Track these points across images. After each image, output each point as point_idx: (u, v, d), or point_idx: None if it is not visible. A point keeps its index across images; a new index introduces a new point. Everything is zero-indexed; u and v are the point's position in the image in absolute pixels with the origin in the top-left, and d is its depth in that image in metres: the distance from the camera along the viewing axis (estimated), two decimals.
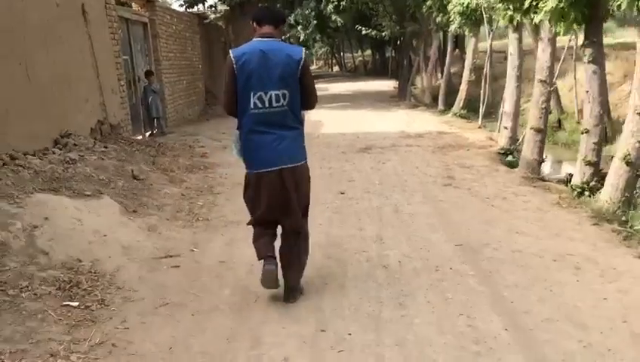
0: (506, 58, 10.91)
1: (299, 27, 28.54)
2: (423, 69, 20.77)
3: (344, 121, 13.99)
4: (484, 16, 11.84)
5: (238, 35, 19.21)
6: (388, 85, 28.79)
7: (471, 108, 14.34)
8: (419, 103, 18.74)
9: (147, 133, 12.15)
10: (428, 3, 14.30)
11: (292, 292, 3.80)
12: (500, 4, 8.00)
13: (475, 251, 4.71)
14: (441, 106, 15.48)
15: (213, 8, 20.22)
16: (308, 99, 3.55)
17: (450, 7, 13.22)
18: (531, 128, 8.11)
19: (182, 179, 7.47)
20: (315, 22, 28.33)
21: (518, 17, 7.86)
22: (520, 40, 10.00)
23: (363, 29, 26.65)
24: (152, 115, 11.89)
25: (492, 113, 12.71)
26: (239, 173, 4.09)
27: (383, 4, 20.94)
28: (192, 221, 5.72)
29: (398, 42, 27.94)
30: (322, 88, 29.53)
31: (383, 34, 23.54)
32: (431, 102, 17.84)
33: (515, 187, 6.94)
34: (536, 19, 6.93)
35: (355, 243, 4.96)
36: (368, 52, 48.22)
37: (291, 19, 28.40)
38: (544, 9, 6.51)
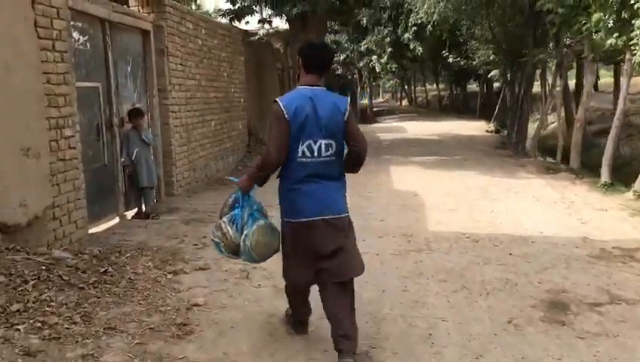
0: None
1: (373, 56, 23.71)
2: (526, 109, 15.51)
3: (452, 196, 8.74)
4: None
5: (297, 60, 14.30)
6: (478, 128, 23.30)
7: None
8: (528, 157, 13.30)
9: (130, 214, 7.26)
10: (595, 18, 8.87)
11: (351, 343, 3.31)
12: None
13: None
14: (606, 178, 9.69)
15: (267, 25, 15.46)
16: (354, 150, 3.37)
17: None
18: None
19: None
20: (390, 50, 23.55)
21: None
22: None
23: (450, 56, 21.65)
24: (139, 184, 7.03)
25: None
26: None
27: (489, 26, 15.70)
28: None
29: (489, 75, 22.81)
30: (397, 128, 24.29)
31: (474, 63, 18.66)
32: (534, 154, 12.69)
33: None
34: None
35: None
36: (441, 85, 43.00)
37: (363, 46, 23.83)
38: None
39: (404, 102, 54.61)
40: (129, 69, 7.43)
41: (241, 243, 3.36)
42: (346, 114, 3.31)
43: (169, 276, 4.73)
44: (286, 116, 3.20)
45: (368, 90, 35.72)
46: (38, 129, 4.91)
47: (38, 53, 4.99)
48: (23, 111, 4.71)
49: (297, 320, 3.77)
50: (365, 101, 38.18)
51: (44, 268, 4.14)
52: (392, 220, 7.09)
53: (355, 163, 3.44)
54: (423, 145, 16.72)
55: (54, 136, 5.27)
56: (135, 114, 7.02)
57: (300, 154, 3.25)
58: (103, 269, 4.47)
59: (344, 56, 26.51)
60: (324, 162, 3.30)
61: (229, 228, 3.40)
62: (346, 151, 3.41)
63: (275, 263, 3.81)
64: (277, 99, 3.30)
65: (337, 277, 3.34)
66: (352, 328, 3.33)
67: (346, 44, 25.09)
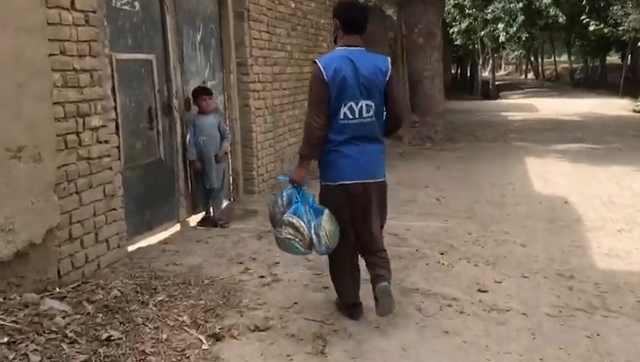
0: None
1: (500, 25, 20.87)
2: None
3: (616, 206, 6.35)
4: None
5: (412, 28, 12.32)
6: (623, 106, 19.78)
7: None
8: None
9: (194, 219, 5.82)
10: None
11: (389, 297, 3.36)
12: None
13: None
14: None
15: None
16: (393, 112, 3.43)
17: None
18: None
19: None
20: (522, 17, 20.61)
21: None
22: None
23: (591, 22, 18.60)
24: (208, 185, 5.56)
25: None
26: None
27: None
28: None
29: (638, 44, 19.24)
30: (526, 105, 21.27)
31: (620, 30, 15.91)
32: None
33: None
34: None
35: None
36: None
37: (489, 14, 21.05)
38: None
39: (530, 76, 50.17)
40: (198, 37, 5.92)
41: (314, 236, 3.26)
42: (388, 73, 3.31)
43: (207, 345, 3.14)
44: (325, 77, 3.18)
45: (490, 61, 32.42)
46: (38, 119, 3.48)
47: (43, 11, 3.54)
48: (10, 93, 3.29)
49: (349, 302, 3.54)
50: (487, 74, 34.93)
51: (5, 339, 2.70)
52: (538, 245, 5.05)
53: (393, 126, 3.50)
54: (561, 128, 14.03)
55: (72, 128, 3.84)
56: (197, 93, 5.51)
57: (341, 116, 3.24)
58: (106, 335, 2.97)
59: (466, 23, 23.80)
60: (365, 123, 3.28)
61: (301, 222, 3.26)
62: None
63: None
64: (316, 60, 3.27)
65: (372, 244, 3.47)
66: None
67: (470, 11, 22.37)
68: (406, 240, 5.17)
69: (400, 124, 3.55)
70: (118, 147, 4.52)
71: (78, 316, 3.08)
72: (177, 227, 5.55)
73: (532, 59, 48.52)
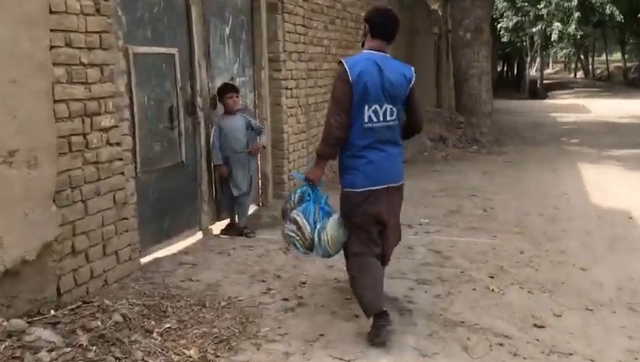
0: None
1: (555, 23, 19.89)
2: None
3: None
4: None
5: (459, 23, 11.65)
6: None
7: None
8: None
9: (221, 225, 5.41)
10: None
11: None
12: None
13: None
14: None
15: None
16: (414, 118, 3.43)
17: None
18: None
19: None
20: (577, 14, 19.60)
21: None
22: None
23: None
24: (234, 191, 5.13)
25: None
26: None
27: None
28: None
29: None
30: (577, 106, 20.16)
31: None
32: None
33: None
34: None
35: None
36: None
37: (543, 9, 20.08)
38: None
39: (579, 75, 48.30)
40: (227, 30, 5.48)
41: (316, 238, 3.23)
42: (412, 81, 3.31)
43: None
44: (349, 78, 3.14)
45: (538, 59, 31.16)
46: (35, 119, 3.09)
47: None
48: (1, 91, 2.90)
49: (375, 310, 3.15)
50: (534, 72, 33.64)
51: None
52: (601, 270, 4.43)
53: (411, 132, 3.51)
54: (617, 131, 13.11)
55: (77, 129, 3.45)
56: (223, 90, 5.08)
57: (365, 119, 3.19)
58: None
59: (515, 21, 22.82)
60: (389, 127, 3.25)
61: (305, 221, 3.24)
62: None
63: None
64: (342, 60, 3.24)
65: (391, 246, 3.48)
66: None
67: (524, 4, 21.40)
68: (450, 258, 4.61)
69: (419, 131, 3.59)
70: (134, 149, 4.13)
71: (67, 349, 2.67)
72: (199, 235, 5.14)
73: (582, 57, 46.69)
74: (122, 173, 3.88)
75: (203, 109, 5.07)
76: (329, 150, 3.27)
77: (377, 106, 3.18)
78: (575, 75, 49.58)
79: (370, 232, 3.29)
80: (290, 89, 6.33)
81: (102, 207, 3.69)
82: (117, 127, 3.81)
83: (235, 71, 5.65)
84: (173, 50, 4.67)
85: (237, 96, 5.10)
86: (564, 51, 49.41)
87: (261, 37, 5.95)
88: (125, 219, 3.93)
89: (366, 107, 3.16)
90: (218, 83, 5.27)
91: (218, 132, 5.08)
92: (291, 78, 6.31)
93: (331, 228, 3.22)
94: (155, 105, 4.48)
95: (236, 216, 5.31)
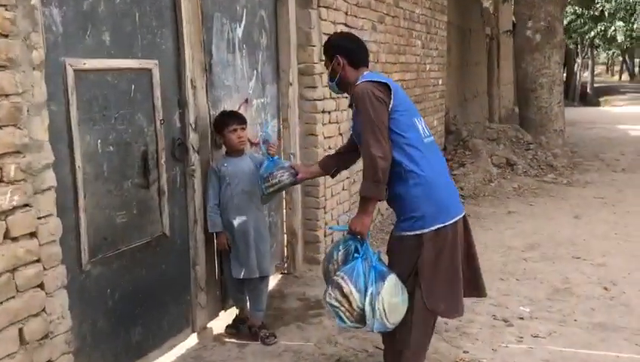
0: None
1: (618, 22, 17.87)
2: None
3: None
4: None
5: (526, 22, 9.78)
6: None
7: None
8: None
9: (226, 318, 3.67)
10: None
11: None
12: None
13: None
14: None
15: None
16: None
17: None
18: None
19: None
20: None
21: None
22: None
23: None
24: (239, 273, 3.39)
25: None
26: None
27: None
28: None
29: None
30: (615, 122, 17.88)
31: None
32: None
33: None
34: None
35: None
36: None
37: (606, 8, 18.04)
38: None
39: (623, 77, 45.78)
40: (239, 31, 3.77)
41: (367, 308, 2.47)
42: None
43: None
44: (390, 94, 2.58)
45: (590, 62, 28.84)
46: None
47: None
48: None
49: None
50: (585, 75, 31.35)
51: None
52: None
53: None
54: None
55: None
56: (223, 121, 3.36)
57: (422, 134, 2.65)
58: None
59: (567, 19, 20.79)
60: (434, 141, 2.77)
61: (351, 287, 2.50)
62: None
63: None
64: (370, 78, 2.63)
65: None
66: None
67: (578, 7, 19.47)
68: None
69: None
70: (76, 229, 2.46)
71: None
72: (192, 340, 3.42)
73: (627, 59, 43.94)
74: (39, 287, 2.18)
75: (200, 150, 3.35)
76: (377, 189, 2.54)
77: (418, 119, 2.71)
78: (620, 77, 47.03)
79: (449, 278, 2.61)
80: (329, 112, 4.60)
81: None
82: (27, 206, 2.11)
83: (251, 90, 3.93)
84: (150, 64, 2.97)
85: (243, 129, 3.37)
86: (606, 53, 46.75)
87: (288, 41, 4.22)
88: None
89: (415, 120, 2.67)
90: (227, 108, 3.57)
91: (215, 182, 3.37)
92: (330, 97, 4.58)
93: (387, 293, 2.50)
94: (116, 152, 2.79)
95: (247, 305, 3.60)
